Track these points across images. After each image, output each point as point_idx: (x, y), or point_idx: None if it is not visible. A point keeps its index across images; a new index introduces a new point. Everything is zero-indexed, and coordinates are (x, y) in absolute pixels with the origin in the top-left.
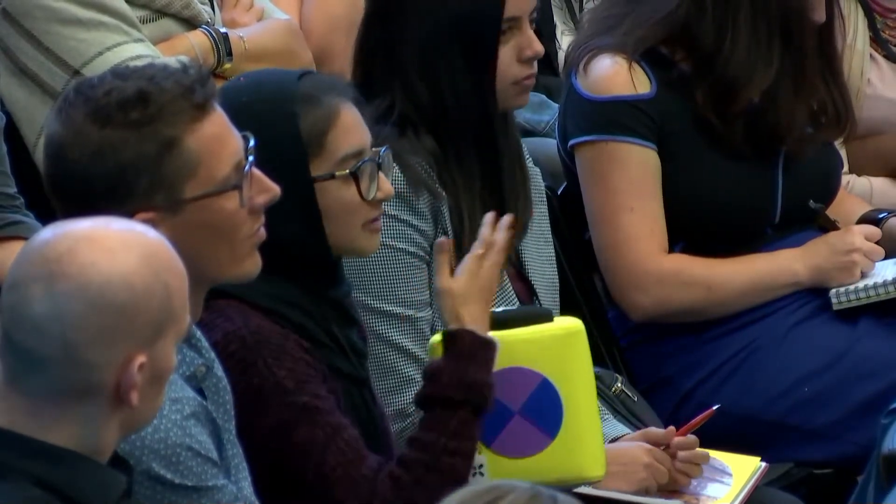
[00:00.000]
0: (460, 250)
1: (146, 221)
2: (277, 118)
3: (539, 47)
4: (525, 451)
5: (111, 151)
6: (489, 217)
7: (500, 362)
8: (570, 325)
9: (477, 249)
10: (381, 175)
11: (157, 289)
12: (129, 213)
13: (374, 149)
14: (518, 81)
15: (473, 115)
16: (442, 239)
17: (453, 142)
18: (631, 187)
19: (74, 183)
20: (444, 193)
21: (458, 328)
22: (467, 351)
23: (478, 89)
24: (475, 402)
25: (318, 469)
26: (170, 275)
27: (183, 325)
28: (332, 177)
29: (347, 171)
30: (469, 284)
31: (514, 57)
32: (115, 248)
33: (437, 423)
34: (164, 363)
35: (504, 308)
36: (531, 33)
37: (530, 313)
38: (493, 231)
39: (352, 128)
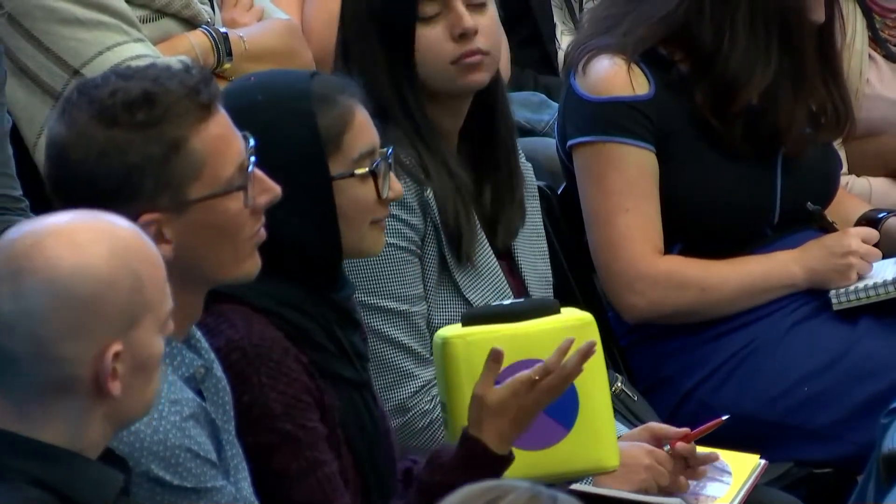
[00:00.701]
0: (447, 237)
1: (151, 223)
2: (294, 117)
3: (468, 23)
4: (541, 444)
5: (117, 152)
6: (565, 344)
7: (516, 355)
8: (582, 317)
9: (533, 374)
10: (392, 175)
11: (125, 278)
12: (134, 215)
13: (381, 149)
14: (456, 60)
15: (394, 102)
16: (497, 349)
17: (407, 130)
18: (627, 188)
19: (78, 184)
20: (426, 180)
21: (475, 436)
22: (476, 463)
23: (394, 74)
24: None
25: (284, 500)
26: (140, 263)
27: (162, 313)
28: (352, 175)
29: (367, 168)
30: (506, 402)
31: (447, 37)
32: (81, 240)
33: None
34: (145, 351)
35: (512, 300)
36: (462, 10)
37: (539, 305)
38: (561, 359)
39: (365, 127)
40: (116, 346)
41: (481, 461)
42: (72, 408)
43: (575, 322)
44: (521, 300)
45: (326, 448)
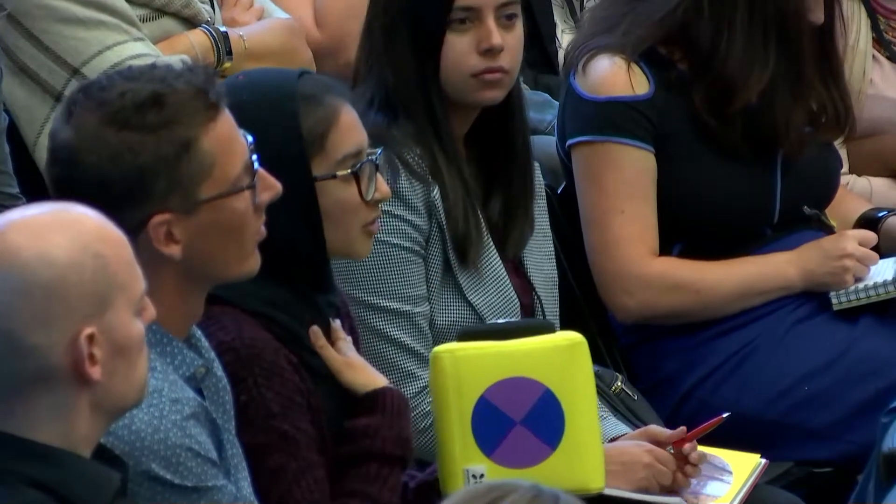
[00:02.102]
0: (452, 240)
1: (162, 224)
2: (278, 117)
3: (496, 40)
4: (526, 462)
5: (129, 154)
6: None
7: (504, 372)
8: (573, 337)
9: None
10: (379, 176)
11: (85, 261)
12: (145, 216)
13: (369, 150)
14: (477, 74)
15: (417, 101)
16: (314, 327)
17: (425, 130)
18: (623, 189)
19: (89, 187)
20: (431, 179)
21: (384, 387)
22: (396, 409)
23: (420, 75)
24: (407, 457)
25: (283, 498)
26: (101, 245)
27: (134, 293)
28: (334, 177)
29: (349, 170)
30: (357, 355)
31: (472, 48)
32: (39, 230)
33: (377, 478)
34: (122, 333)
35: (506, 319)
36: (492, 25)
37: (532, 325)
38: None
39: (351, 128)
40: (89, 330)
41: (399, 408)
42: (56, 400)
43: (565, 342)
44: (516, 320)
45: (316, 451)
